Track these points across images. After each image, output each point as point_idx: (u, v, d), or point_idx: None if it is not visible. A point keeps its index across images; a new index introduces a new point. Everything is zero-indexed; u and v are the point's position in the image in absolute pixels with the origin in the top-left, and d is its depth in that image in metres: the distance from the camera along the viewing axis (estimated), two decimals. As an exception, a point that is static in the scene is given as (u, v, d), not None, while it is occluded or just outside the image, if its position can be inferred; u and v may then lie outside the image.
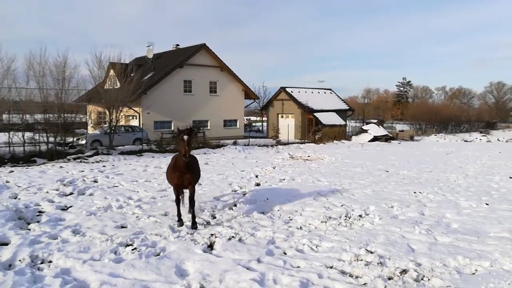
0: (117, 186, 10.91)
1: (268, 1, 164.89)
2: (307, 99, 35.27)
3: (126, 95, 21.82)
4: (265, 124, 41.46)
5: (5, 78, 17.69)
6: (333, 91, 41.17)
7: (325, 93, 39.92)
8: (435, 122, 52.66)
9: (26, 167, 14.87)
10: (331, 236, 6.62)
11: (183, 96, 30.21)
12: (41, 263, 5.34)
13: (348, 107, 40.05)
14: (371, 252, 5.83)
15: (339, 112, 36.68)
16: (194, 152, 6.53)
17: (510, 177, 13.56)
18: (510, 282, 4.74)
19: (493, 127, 59.35)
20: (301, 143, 29.68)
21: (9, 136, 17.45)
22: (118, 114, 21.70)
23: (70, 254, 5.53)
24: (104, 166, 15.33)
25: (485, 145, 32.62)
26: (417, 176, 13.57)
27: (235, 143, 25.83)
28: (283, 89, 36.45)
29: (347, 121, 39.08)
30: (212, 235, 6.57)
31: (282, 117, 36.76)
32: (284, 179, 12.48)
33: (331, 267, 5.29)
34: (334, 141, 31.42)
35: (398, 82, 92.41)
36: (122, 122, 23.90)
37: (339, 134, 33.07)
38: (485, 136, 44.78)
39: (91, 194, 9.74)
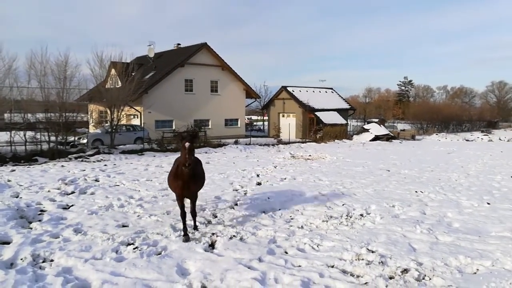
0: (118, 185, 10.93)
1: (268, 1, 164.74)
2: (308, 98, 35.22)
3: (128, 94, 21.87)
4: (266, 123, 41.40)
5: (7, 77, 17.80)
6: (334, 90, 41.09)
7: (326, 92, 39.84)
8: (437, 121, 52.49)
9: (28, 166, 14.91)
10: (332, 235, 6.62)
11: (184, 95, 30.18)
12: (43, 262, 5.35)
13: (350, 106, 39.96)
14: (372, 252, 5.83)
15: (340, 111, 36.61)
16: (195, 152, 6.47)
17: (512, 177, 13.54)
18: (511, 282, 4.73)
19: (494, 127, 59.10)
20: (302, 142, 29.66)
21: (10, 135, 17.49)
22: (119, 113, 21.76)
23: (72, 253, 5.55)
24: (105, 165, 15.36)
25: (486, 145, 32.56)
26: (419, 176, 13.55)
27: (236, 142, 25.86)
28: (284, 88, 36.38)
29: (348, 120, 38.99)
30: (213, 234, 6.57)
31: (283, 116, 36.70)
32: (285, 178, 12.48)
33: (332, 266, 5.28)
34: (335, 140, 31.39)
35: (400, 81, 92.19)
36: (123, 121, 23.92)
37: (340, 133, 33.04)
38: (487, 135, 44.65)
39: (92, 193, 9.76)
